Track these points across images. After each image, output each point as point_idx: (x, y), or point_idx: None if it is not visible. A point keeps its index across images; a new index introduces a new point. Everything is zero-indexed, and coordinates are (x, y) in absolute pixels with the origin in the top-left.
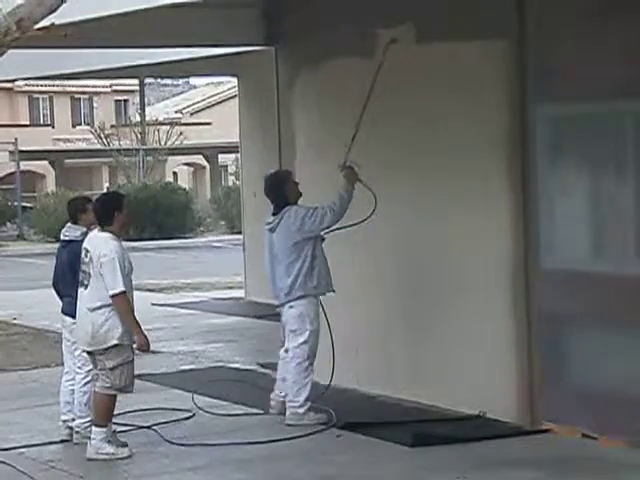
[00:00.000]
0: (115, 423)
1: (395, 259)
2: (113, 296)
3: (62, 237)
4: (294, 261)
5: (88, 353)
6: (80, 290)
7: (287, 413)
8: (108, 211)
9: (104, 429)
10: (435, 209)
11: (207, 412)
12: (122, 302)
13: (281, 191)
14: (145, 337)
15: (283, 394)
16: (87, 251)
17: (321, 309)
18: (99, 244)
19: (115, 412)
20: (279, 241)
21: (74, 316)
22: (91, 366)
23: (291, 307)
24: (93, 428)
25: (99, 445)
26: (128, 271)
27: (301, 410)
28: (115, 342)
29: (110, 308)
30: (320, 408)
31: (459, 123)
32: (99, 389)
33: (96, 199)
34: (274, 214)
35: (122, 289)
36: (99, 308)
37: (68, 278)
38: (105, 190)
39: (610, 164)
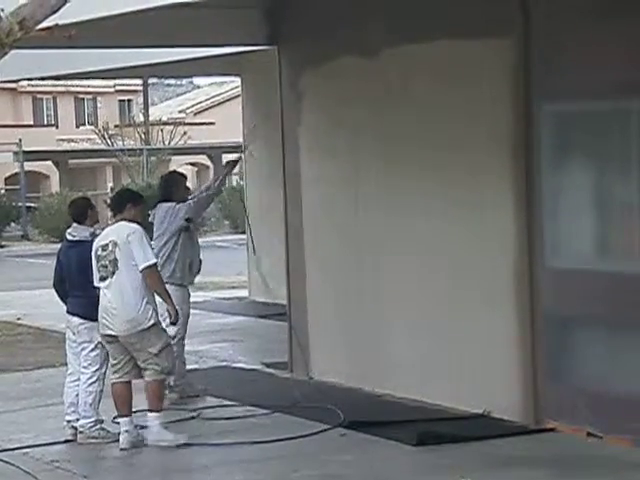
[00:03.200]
0: (118, 423)
1: (398, 258)
2: (145, 269)
3: (69, 237)
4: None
5: (119, 352)
6: (103, 284)
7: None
8: (121, 201)
9: (160, 413)
10: (439, 207)
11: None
12: (154, 274)
13: (169, 190)
14: (175, 309)
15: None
16: (106, 245)
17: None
18: (120, 230)
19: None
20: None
21: (81, 316)
22: (97, 366)
23: None
24: (149, 415)
25: (158, 431)
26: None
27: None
28: (153, 322)
29: (143, 289)
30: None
31: (463, 121)
32: (151, 378)
33: (116, 191)
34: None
35: (153, 261)
36: (134, 291)
37: (75, 278)
38: (109, 190)
39: (614, 162)
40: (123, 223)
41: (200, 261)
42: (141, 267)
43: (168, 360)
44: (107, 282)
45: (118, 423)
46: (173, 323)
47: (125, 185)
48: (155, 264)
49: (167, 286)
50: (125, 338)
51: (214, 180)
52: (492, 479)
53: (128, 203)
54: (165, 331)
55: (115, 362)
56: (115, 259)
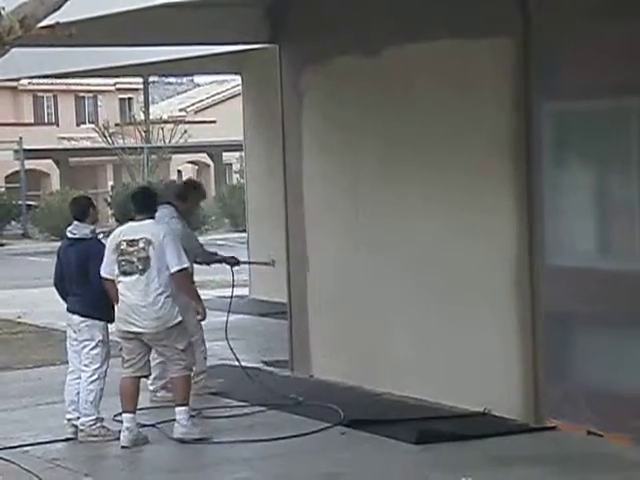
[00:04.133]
0: (119, 421)
1: (399, 257)
2: (178, 271)
3: (69, 235)
4: None
5: (138, 348)
6: (126, 279)
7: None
8: (152, 201)
9: (188, 407)
10: (440, 207)
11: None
12: (187, 277)
13: (184, 195)
14: (204, 307)
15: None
16: (134, 241)
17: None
18: (155, 229)
19: (119, 410)
20: None
21: (81, 314)
22: (98, 364)
23: None
24: (178, 409)
25: (187, 425)
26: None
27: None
28: (180, 319)
29: (170, 288)
30: None
31: (463, 121)
32: (176, 374)
33: (135, 192)
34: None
35: (187, 264)
36: (163, 289)
37: (75, 276)
38: (110, 188)
39: (614, 161)
40: (153, 222)
41: None
42: (174, 269)
43: (192, 356)
44: (133, 278)
45: (119, 421)
46: (202, 320)
47: (124, 184)
48: (188, 267)
49: None
50: (153, 335)
51: (213, 254)
52: (492, 477)
53: (156, 202)
54: (187, 329)
55: (130, 357)
56: (147, 257)
